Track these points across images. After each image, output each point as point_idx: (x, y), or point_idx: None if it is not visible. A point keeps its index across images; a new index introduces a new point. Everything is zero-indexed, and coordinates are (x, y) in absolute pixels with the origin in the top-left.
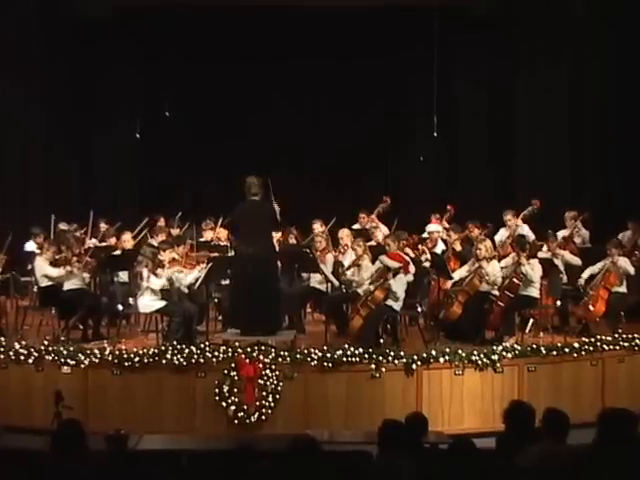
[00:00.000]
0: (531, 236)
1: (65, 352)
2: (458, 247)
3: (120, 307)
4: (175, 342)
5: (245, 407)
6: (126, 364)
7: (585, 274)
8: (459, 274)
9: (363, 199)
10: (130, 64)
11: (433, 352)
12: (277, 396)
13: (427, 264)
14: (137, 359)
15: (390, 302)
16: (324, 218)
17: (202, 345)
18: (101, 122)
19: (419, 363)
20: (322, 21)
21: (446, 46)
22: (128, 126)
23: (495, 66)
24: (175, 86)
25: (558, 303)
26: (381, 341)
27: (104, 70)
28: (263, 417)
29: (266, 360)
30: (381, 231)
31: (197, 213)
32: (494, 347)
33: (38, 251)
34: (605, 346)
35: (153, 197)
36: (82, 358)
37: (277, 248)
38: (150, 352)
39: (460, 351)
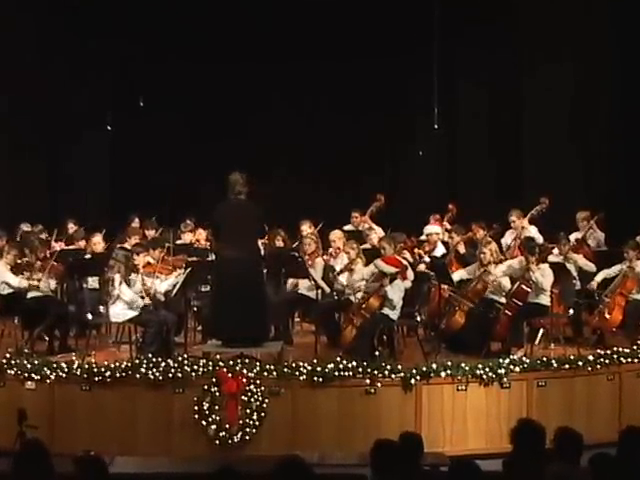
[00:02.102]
0: (539, 239)
1: (29, 366)
2: (462, 249)
3: (90, 316)
4: (150, 355)
5: (227, 426)
6: (96, 379)
7: (598, 277)
8: (460, 275)
9: (363, 200)
10: (105, 58)
11: (433, 365)
12: (262, 414)
13: (422, 267)
14: (108, 373)
15: (386, 310)
16: (325, 219)
17: (180, 358)
18: (71, 116)
19: (418, 377)
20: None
21: (447, 41)
22: (100, 119)
23: (497, 61)
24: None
25: (571, 311)
26: (376, 353)
27: (74, 61)
28: (247, 437)
29: (250, 374)
30: (376, 233)
31: (186, 213)
32: (500, 360)
33: None
34: (622, 359)
35: (127, 196)
36: (48, 372)
37: (262, 251)
38: (123, 366)
39: (463, 364)
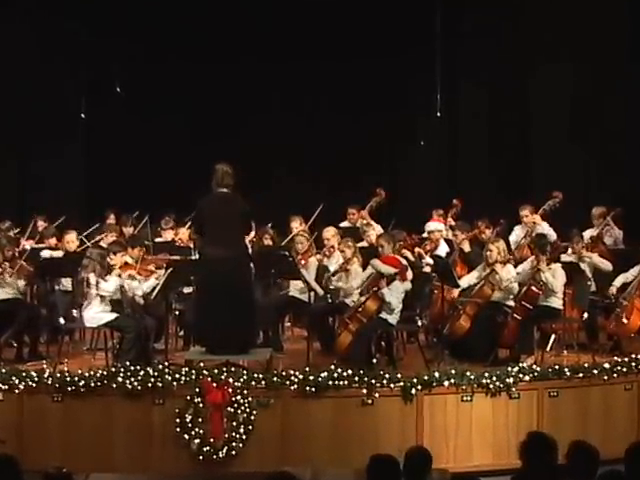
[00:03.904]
0: (552, 236)
1: None
2: (467, 248)
3: (62, 321)
4: (128, 363)
5: (211, 440)
6: (69, 389)
7: (617, 281)
8: (467, 281)
9: (363, 200)
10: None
11: (436, 374)
12: (250, 427)
13: (428, 269)
14: (82, 383)
15: (384, 314)
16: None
17: (160, 366)
18: (43, 111)
19: (419, 387)
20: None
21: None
22: (72, 108)
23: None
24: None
25: (585, 315)
26: (374, 361)
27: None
28: (233, 452)
29: (237, 384)
30: (374, 230)
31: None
32: (509, 368)
33: None
34: None
35: (103, 191)
36: (16, 382)
37: (250, 250)
38: (98, 375)
39: (468, 373)
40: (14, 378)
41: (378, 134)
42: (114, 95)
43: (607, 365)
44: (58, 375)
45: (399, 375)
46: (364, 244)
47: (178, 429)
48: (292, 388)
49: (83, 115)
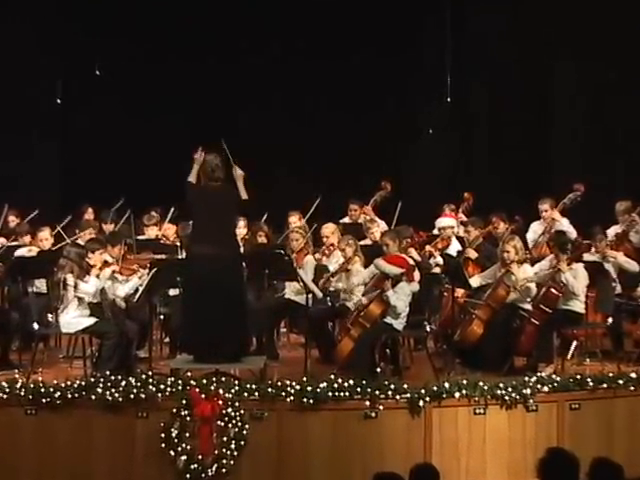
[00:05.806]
0: (573, 233)
1: None
2: (473, 254)
3: (36, 326)
4: (108, 372)
5: (200, 457)
6: (44, 401)
7: None
8: (479, 280)
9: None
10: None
11: (446, 384)
12: (242, 442)
13: (438, 269)
14: (58, 394)
15: (389, 319)
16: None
17: (143, 376)
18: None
19: (428, 399)
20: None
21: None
22: (46, 92)
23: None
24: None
25: (609, 320)
26: (378, 370)
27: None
28: (223, 469)
29: (227, 395)
30: (378, 226)
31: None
32: (526, 378)
33: None
34: None
35: (80, 185)
36: None
37: (242, 248)
38: (75, 385)
39: (481, 383)
40: None
41: (379, 132)
42: (99, 93)
43: (634, 375)
44: (32, 386)
45: (405, 386)
46: (367, 242)
47: (163, 444)
48: (288, 400)
49: (59, 100)
